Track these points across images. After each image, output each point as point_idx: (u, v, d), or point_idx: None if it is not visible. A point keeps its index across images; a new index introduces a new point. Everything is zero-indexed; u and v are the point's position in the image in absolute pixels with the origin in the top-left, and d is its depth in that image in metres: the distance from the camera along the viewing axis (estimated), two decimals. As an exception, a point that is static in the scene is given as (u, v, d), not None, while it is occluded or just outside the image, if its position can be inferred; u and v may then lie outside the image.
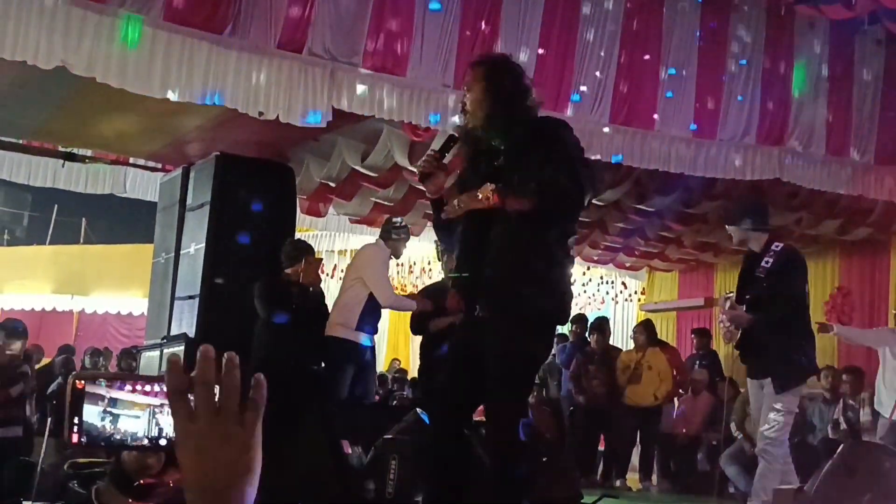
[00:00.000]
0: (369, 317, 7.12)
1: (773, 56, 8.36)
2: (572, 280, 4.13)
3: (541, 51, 7.46)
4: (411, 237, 7.91)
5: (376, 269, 7.19)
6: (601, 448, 10.38)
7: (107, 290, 15.36)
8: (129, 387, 1.32)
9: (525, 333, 3.79)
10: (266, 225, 8.26)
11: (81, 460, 4.09)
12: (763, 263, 5.79)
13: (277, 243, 7.60)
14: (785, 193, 9.41)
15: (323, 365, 7.22)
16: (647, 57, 7.93)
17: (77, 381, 1.30)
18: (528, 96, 3.94)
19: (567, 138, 3.87)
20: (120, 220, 18.52)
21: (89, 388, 1.30)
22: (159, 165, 10.23)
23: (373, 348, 7.40)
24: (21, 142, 10.01)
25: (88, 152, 10.27)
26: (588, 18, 7.66)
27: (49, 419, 6.88)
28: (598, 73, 7.72)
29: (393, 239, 7.29)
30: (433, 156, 3.99)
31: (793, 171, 8.54)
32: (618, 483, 9.83)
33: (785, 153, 8.46)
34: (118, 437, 1.31)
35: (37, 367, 10.42)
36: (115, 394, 1.30)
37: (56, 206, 19.27)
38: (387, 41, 6.90)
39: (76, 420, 1.29)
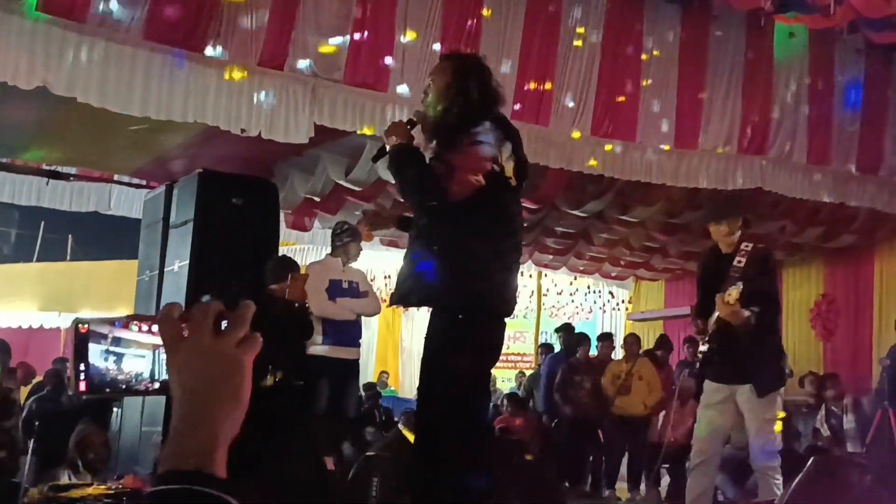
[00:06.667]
0: (331, 328, 7.20)
1: (753, 66, 8.39)
2: (515, 272, 4.07)
3: (522, 64, 7.48)
4: (396, 249, 7.96)
5: (310, 285, 7.30)
6: (590, 458, 10.38)
7: (94, 306, 15.25)
8: (134, 327, 1.25)
9: (436, 330, 3.87)
10: (250, 241, 8.24)
11: (62, 482, 4.09)
12: (735, 263, 5.52)
13: (262, 259, 7.59)
14: (768, 202, 9.44)
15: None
16: (627, 68, 7.97)
17: (80, 326, 1.21)
18: (492, 99, 3.95)
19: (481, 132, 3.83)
20: (107, 237, 18.42)
21: (93, 328, 1.22)
22: (143, 182, 10.23)
23: (349, 362, 7.40)
24: (5, 161, 10.00)
25: (73, 170, 10.26)
26: (568, 31, 7.70)
27: (31, 439, 6.85)
28: (579, 86, 7.75)
29: (338, 245, 7.44)
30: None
31: (775, 179, 8.57)
32: (607, 493, 9.83)
33: (767, 162, 8.49)
34: (122, 378, 1.24)
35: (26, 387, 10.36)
36: (119, 332, 1.24)
37: (43, 223, 19.17)
38: (368, 57, 6.92)
39: (82, 367, 1.21)
